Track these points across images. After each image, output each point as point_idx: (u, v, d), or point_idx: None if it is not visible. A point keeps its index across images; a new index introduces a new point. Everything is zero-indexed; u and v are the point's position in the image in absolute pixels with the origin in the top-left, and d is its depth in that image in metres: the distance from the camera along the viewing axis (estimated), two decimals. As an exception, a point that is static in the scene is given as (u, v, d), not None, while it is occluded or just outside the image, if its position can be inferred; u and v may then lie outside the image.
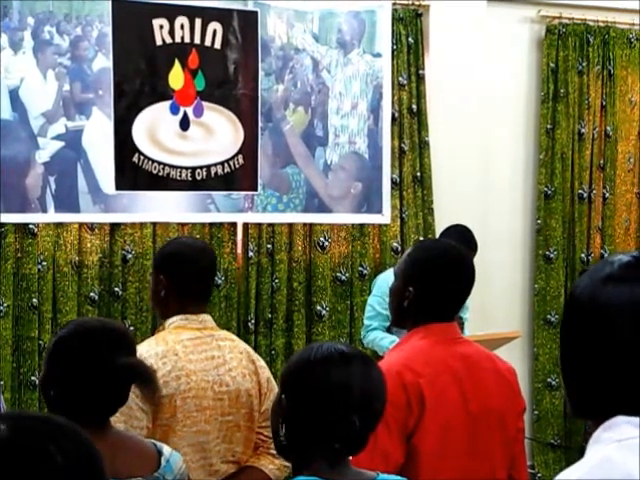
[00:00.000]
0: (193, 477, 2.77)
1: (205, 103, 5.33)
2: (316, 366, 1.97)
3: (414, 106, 5.89)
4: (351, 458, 2.00)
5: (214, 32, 5.35)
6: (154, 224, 5.32)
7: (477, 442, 2.52)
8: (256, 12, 5.46)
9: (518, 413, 2.66)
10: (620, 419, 1.28)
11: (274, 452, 2.82)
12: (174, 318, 2.93)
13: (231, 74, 5.42)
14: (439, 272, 2.58)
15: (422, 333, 2.57)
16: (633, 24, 6.36)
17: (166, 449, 2.32)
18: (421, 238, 5.74)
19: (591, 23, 6.29)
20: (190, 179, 5.32)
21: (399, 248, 5.77)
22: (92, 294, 5.19)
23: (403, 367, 2.43)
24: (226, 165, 5.40)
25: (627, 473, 1.23)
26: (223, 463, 2.89)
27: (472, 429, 2.51)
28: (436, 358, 2.52)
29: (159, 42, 5.24)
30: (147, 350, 2.84)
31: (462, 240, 4.60)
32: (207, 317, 2.97)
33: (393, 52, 5.81)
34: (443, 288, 2.57)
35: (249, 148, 5.45)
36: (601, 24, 6.31)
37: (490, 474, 2.56)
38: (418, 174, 5.88)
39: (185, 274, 2.93)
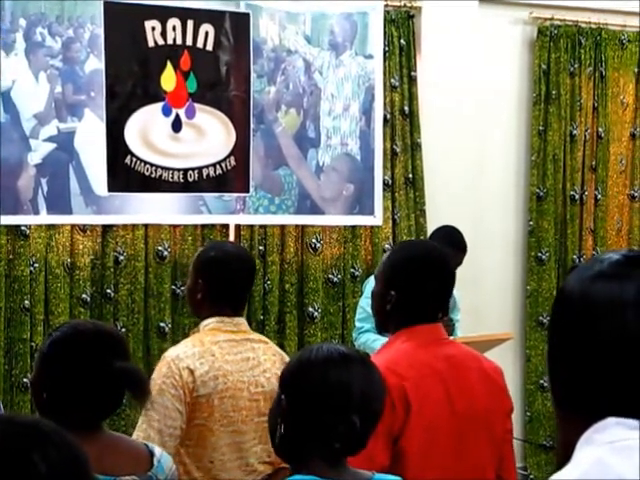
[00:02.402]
0: (231, 476, 2.87)
1: (197, 105, 5.33)
2: (317, 367, 1.99)
3: (406, 108, 5.89)
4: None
5: (206, 34, 5.35)
6: (146, 226, 5.32)
7: (464, 443, 2.52)
8: (248, 14, 5.45)
9: (505, 413, 2.66)
10: (611, 420, 1.26)
11: None
12: (209, 320, 3.00)
13: (223, 76, 5.42)
14: (419, 273, 2.58)
15: (405, 335, 2.57)
16: (625, 26, 6.37)
17: (157, 450, 2.32)
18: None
19: (583, 25, 6.29)
20: (182, 181, 5.32)
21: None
22: (84, 296, 5.18)
23: (387, 370, 2.40)
24: (218, 167, 5.40)
25: (620, 476, 1.21)
26: (260, 463, 2.96)
27: (458, 430, 2.51)
28: (420, 360, 2.52)
29: (151, 44, 5.24)
30: (184, 351, 2.91)
31: (451, 241, 4.61)
32: (242, 320, 3.05)
33: (385, 54, 5.81)
34: (424, 289, 2.57)
35: (241, 150, 5.45)
36: (593, 26, 6.31)
37: (478, 474, 2.56)
38: (410, 176, 5.89)
39: (223, 280, 3.00)
